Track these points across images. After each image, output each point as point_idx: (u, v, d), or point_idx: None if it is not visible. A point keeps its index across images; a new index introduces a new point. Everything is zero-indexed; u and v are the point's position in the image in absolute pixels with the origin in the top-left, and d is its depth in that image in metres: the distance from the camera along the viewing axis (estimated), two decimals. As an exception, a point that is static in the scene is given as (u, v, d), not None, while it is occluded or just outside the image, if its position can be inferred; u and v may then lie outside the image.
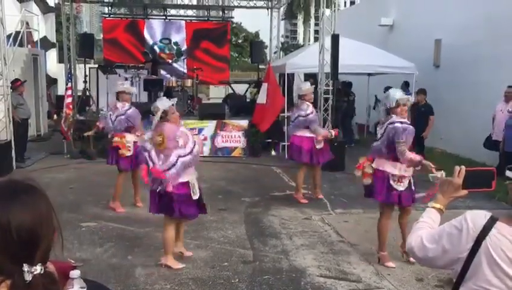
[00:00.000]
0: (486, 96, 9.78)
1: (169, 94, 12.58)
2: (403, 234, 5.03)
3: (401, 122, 4.88)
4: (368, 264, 5.07)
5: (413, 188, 4.99)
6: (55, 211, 1.19)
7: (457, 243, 1.66)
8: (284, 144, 11.22)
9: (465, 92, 10.90)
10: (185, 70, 14.86)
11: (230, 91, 15.77)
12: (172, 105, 4.78)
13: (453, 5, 11.65)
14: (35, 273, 1.05)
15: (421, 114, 9.81)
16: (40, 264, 1.06)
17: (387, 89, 12.88)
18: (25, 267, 1.04)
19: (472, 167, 1.91)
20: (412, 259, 4.94)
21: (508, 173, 1.68)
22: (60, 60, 18.29)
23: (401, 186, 4.90)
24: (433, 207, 1.91)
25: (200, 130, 11.11)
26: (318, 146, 7.29)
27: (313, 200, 7.51)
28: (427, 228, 1.85)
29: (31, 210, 1.09)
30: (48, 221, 1.12)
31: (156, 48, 15.06)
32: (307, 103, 7.33)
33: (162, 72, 14.50)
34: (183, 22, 15.67)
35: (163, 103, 4.76)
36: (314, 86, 8.25)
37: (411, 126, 4.92)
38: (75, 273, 1.37)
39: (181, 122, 5.01)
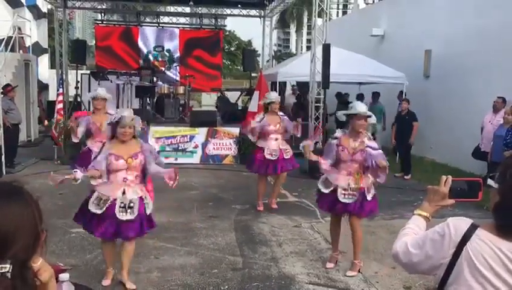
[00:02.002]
0: (476, 107, 9.90)
1: (160, 101, 12.62)
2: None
3: (332, 138, 5.13)
4: (356, 271, 5.10)
5: (341, 199, 4.92)
6: (43, 216, 1.21)
7: (439, 248, 1.71)
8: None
9: (455, 102, 11.04)
10: (178, 78, 14.91)
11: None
12: (123, 118, 4.31)
13: (443, 16, 11.82)
14: (2, 271, 1.08)
15: (405, 122, 9.94)
16: (9, 263, 1.09)
17: (338, 94, 13.15)
18: None
19: (459, 177, 1.95)
20: (349, 273, 5.04)
21: (490, 182, 1.73)
22: (52, 66, 18.24)
23: (324, 188, 5.05)
24: (420, 215, 1.95)
25: (191, 138, 11.14)
26: (270, 158, 7.15)
27: (303, 208, 7.55)
28: (412, 234, 1.89)
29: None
30: (22, 224, 1.13)
31: (150, 56, 15.11)
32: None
33: (154, 79, 14.51)
34: (176, 29, 15.74)
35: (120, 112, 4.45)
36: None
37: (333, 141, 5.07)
38: (64, 276, 1.39)
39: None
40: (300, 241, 6.03)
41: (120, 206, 4.33)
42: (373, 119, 5.08)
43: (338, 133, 5.09)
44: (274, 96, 7.40)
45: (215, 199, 7.98)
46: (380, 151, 4.92)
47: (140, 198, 4.39)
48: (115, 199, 4.33)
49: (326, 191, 5.02)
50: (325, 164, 5.00)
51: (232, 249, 5.69)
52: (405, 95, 11.20)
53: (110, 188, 4.35)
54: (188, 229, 6.33)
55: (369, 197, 4.93)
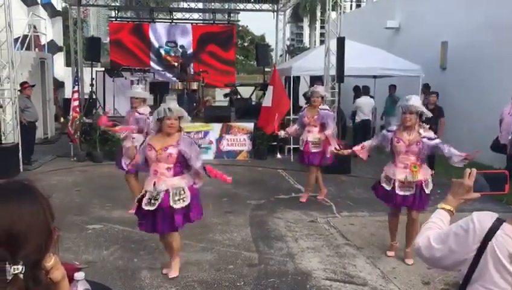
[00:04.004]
0: (493, 98, 9.72)
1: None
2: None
3: (388, 130, 5.18)
4: (374, 267, 5.04)
5: (399, 192, 4.97)
6: (60, 213, 1.19)
7: (463, 243, 1.65)
8: (289, 146, 11.22)
9: (472, 94, 10.85)
10: (191, 73, 14.89)
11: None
12: (170, 110, 4.33)
13: (458, 7, 11.61)
14: (15, 272, 1.06)
15: (432, 117, 9.51)
16: (21, 263, 1.07)
17: (357, 89, 12.86)
18: (7, 266, 1.05)
19: (483, 170, 1.88)
20: (407, 261, 5.10)
21: None
22: (67, 64, 18.41)
23: (386, 185, 5.08)
24: (443, 208, 1.90)
25: (206, 134, 11.13)
26: (313, 149, 7.30)
27: (319, 203, 7.50)
28: (435, 228, 1.84)
29: (10, 211, 1.09)
30: (34, 223, 1.11)
31: (161, 50, 15.12)
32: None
33: (168, 74, 14.55)
34: (189, 25, 15.73)
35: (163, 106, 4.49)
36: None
37: (388, 133, 5.13)
38: (79, 275, 1.37)
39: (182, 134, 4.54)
40: (317, 236, 5.98)
41: (148, 198, 4.42)
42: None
43: (393, 126, 5.20)
44: (314, 89, 7.56)
45: (230, 195, 7.96)
46: (438, 140, 4.98)
47: (167, 191, 4.38)
48: (146, 192, 4.46)
49: (389, 187, 5.05)
50: (359, 150, 5.29)
51: (248, 244, 5.67)
52: (424, 87, 11.01)
53: (147, 181, 4.51)
54: (203, 225, 6.30)
55: (427, 191, 4.98)
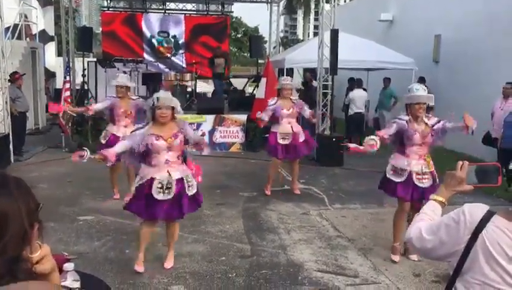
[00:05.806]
0: (486, 92, 9.76)
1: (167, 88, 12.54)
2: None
3: (400, 119, 4.99)
4: (365, 259, 5.07)
5: (418, 184, 4.84)
6: (51, 204, 1.17)
7: (454, 235, 1.66)
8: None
9: (465, 87, 10.89)
10: (184, 65, 14.82)
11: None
12: (157, 99, 4.30)
13: (453, 0, 11.61)
14: None
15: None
16: None
17: (352, 80, 12.79)
18: None
19: (476, 162, 1.88)
20: (411, 257, 4.97)
21: None
22: (59, 54, 18.24)
23: (396, 178, 4.90)
24: (435, 200, 1.91)
25: (199, 126, 11.09)
26: (282, 142, 7.27)
27: (311, 196, 7.52)
28: (427, 219, 1.86)
29: None
30: (7, 217, 1.07)
31: (154, 41, 15.01)
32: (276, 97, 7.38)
33: (161, 66, 14.45)
34: (182, 15, 15.61)
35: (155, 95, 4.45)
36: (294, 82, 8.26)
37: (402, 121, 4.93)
38: (68, 266, 1.36)
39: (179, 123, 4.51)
40: (309, 228, 6.00)
41: (158, 187, 4.37)
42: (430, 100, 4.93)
43: (403, 116, 4.95)
44: (285, 81, 7.42)
45: (223, 187, 7.96)
46: (442, 120, 4.93)
47: (181, 179, 4.43)
48: (153, 179, 4.35)
49: (400, 179, 4.87)
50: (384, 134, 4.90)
51: (240, 236, 5.68)
52: (413, 82, 11.03)
53: (153, 171, 4.39)
54: (195, 216, 6.29)
55: (438, 181, 4.84)
